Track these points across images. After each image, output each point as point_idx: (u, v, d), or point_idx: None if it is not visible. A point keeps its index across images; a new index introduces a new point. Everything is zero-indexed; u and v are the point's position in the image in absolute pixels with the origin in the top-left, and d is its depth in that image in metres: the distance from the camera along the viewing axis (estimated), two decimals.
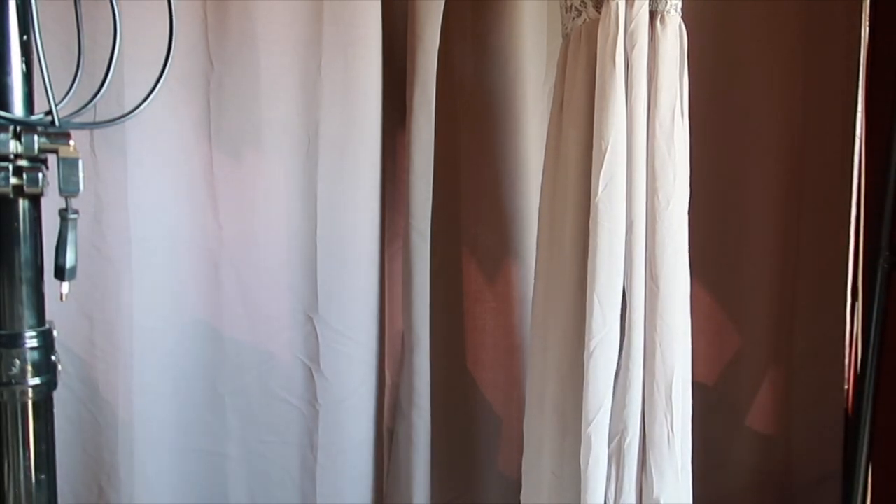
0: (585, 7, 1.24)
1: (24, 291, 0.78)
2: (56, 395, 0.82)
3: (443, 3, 1.38)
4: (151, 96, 0.84)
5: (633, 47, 1.17)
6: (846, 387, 1.63)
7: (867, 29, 1.54)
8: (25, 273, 0.78)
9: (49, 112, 0.76)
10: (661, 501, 1.21)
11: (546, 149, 1.33)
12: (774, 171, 1.58)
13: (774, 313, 1.61)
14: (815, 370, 1.62)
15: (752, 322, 1.62)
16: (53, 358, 0.80)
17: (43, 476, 0.80)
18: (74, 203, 0.76)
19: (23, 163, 0.74)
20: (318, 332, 1.41)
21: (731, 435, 1.64)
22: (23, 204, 0.77)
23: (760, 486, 1.66)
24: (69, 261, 0.78)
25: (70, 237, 0.77)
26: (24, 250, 0.77)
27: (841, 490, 1.62)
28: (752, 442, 1.65)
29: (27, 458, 0.80)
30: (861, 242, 1.59)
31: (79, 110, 0.83)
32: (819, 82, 1.55)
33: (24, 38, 0.76)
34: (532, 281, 1.40)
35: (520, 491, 1.39)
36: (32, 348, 0.78)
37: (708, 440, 1.52)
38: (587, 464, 1.19)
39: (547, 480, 1.31)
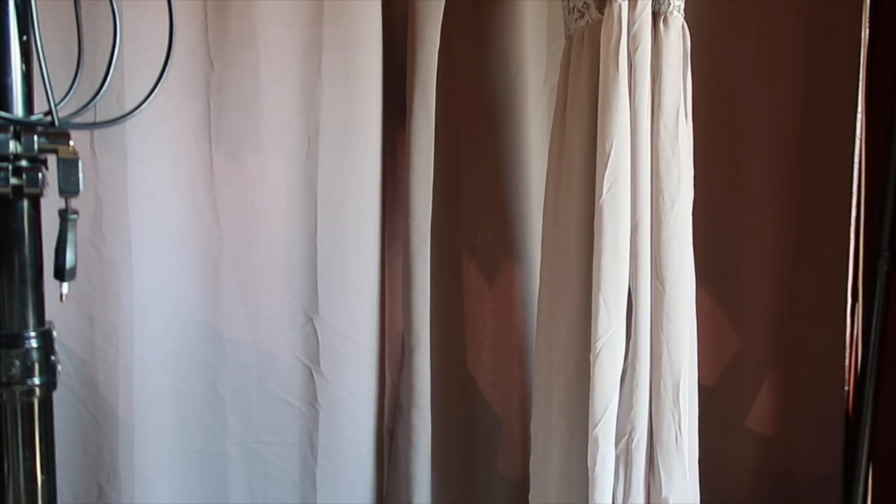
0: (588, 8, 1.24)
1: (24, 292, 0.78)
2: (56, 395, 0.81)
3: (443, 3, 1.38)
4: (151, 97, 0.84)
5: (636, 49, 1.18)
6: (846, 387, 1.63)
7: (867, 29, 1.54)
8: (25, 273, 0.78)
9: (49, 112, 0.76)
10: (670, 501, 1.21)
11: (549, 150, 1.33)
12: (775, 172, 1.58)
13: (775, 314, 1.61)
14: (816, 371, 1.61)
15: (752, 323, 1.62)
16: (53, 358, 0.80)
17: (43, 477, 0.80)
18: (74, 203, 0.76)
19: (22, 163, 0.74)
20: (318, 332, 1.41)
21: (732, 435, 1.64)
22: (22, 204, 0.76)
23: (761, 487, 1.66)
24: (69, 261, 0.77)
25: (70, 237, 0.77)
26: (24, 251, 0.77)
27: (841, 491, 1.62)
28: (753, 442, 1.65)
29: (27, 459, 0.79)
30: (861, 243, 1.59)
31: (79, 111, 0.83)
32: (819, 82, 1.55)
33: (24, 38, 0.76)
34: (533, 281, 1.41)
35: (520, 491, 1.39)
36: (32, 349, 0.78)
37: (709, 441, 1.52)
38: (594, 464, 1.20)
39: (554, 481, 1.31)
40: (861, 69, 1.55)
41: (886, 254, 1.52)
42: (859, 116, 1.57)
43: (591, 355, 1.20)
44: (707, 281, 1.56)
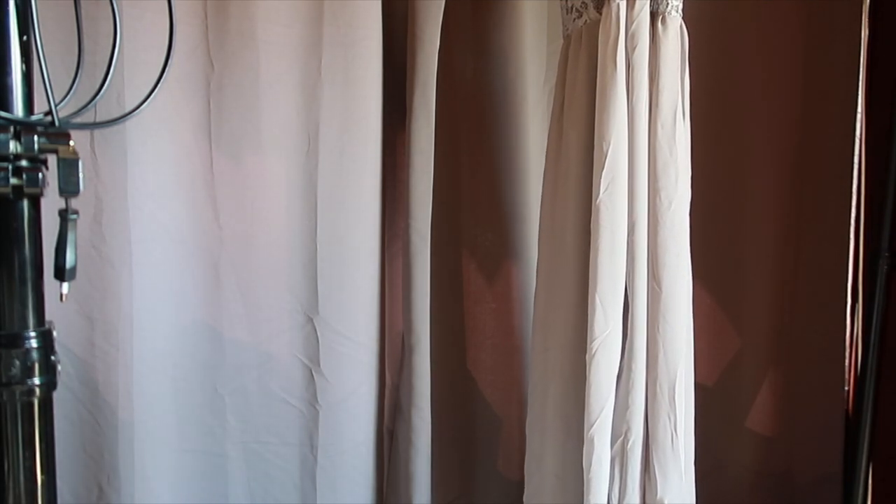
0: (586, 8, 1.24)
1: (24, 292, 0.78)
2: (56, 395, 0.82)
3: (443, 3, 1.38)
4: (151, 97, 0.84)
5: (634, 48, 1.18)
6: (846, 387, 1.63)
7: (867, 29, 1.54)
8: (25, 273, 0.78)
9: (49, 112, 0.76)
10: (666, 502, 1.21)
11: (547, 150, 1.33)
12: (775, 172, 1.58)
13: (775, 314, 1.61)
14: (815, 371, 1.62)
15: (752, 323, 1.62)
16: (53, 358, 0.80)
17: (43, 477, 0.80)
18: (74, 203, 0.76)
19: (22, 163, 0.74)
20: (318, 332, 1.41)
21: (732, 435, 1.64)
22: (22, 204, 0.76)
23: (761, 487, 1.66)
24: (69, 261, 0.78)
25: (70, 237, 0.77)
26: (24, 251, 0.77)
27: (841, 490, 1.62)
28: (753, 442, 1.65)
29: (27, 459, 0.79)
30: (861, 243, 1.59)
31: (79, 111, 0.83)
32: (819, 82, 1.55)
33: (24, 38, 0.76)
34: (532, 281, 1.40)
35: (519, 491, 1.39)
36: (32, 349, 0.78)
37: (708, 441, 1.52)
38: (590, 465, 1.19)
39: (549, 482, 1.31)
40: (861, 69, 1.55)
41: (886, 254, 1.52)
42: (859, 116, 1.57)
43: (587, 355, 1.20)
44: (707, 281, 1.56)
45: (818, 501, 1.63)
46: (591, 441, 1.19)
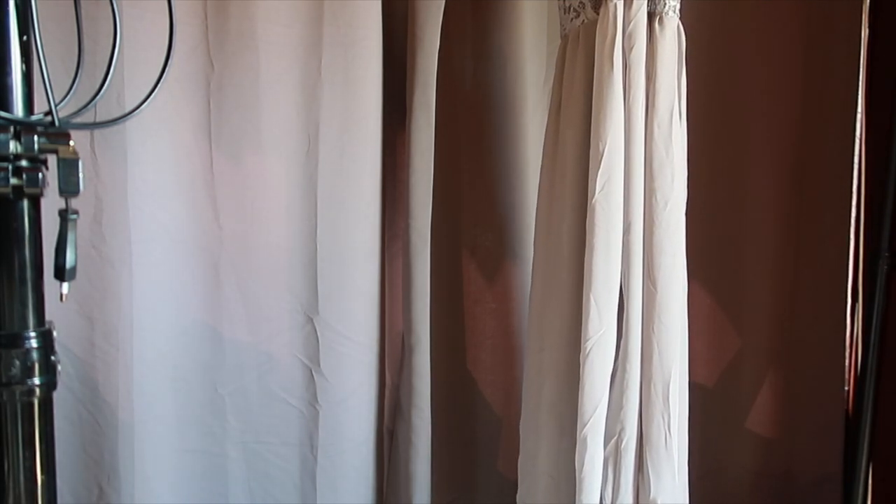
0: (584, 8, 1.24)
1: (24, 292, 0.78)
2: (56, 395, 0.82)
3: (443, 4, 1.38)
4: (151, 97, 0.84)
5: (631, 48, 1.17)
6: (846, 388, 1.63)
7: (867, 29, 1.54)
8: (25, 273, 0.78)
9: (49, 112, 0.76)
10: (659, 502, 1.21)
11: (544, 149, 1.33)
12: (774, 172, 1.58)
13: (774, 314, 1.61)
14: (815, 371, 1.61)
15: (751, 323, 1.62)
16: (53, 358, 0.80)
17: (43, 477, 0.80)
18: (74, 203, 0.76)
19: (22, 163, 0.74)
20: (318, 332, 1.41)
21: (732, 436, 1.64)
22: (22, 204, 0.77)
23: (760, 488, 1.66)
24: (69, 261, 0.78)
25: (70, 237, 0.77)
26: (24, 251, 0.77)
27: (841, 491, 1.62)
28: (753, 443, 1.65)
29: (27, 459, 0.79)
30: (861, 243, 1.59)
31: (79, 111, 0.83)
32: (819, 82, 1.55)
33: (24, 38, 0.76)
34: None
35: None
36: (32, 349, 0.78)
37: (708, 442, 1.52)
38: (583, 465, 1.19)
39: (543, 482, 1.31)
40: (861, 69, 1.55)
41: (886, 254, 1.52)
42: (859, 116, 1.57)
43: (581, 355, 1.19)
44: (707, 281, 1.56)
45: (818, 502, 1.63)
46: (585, 441, 1.19)
